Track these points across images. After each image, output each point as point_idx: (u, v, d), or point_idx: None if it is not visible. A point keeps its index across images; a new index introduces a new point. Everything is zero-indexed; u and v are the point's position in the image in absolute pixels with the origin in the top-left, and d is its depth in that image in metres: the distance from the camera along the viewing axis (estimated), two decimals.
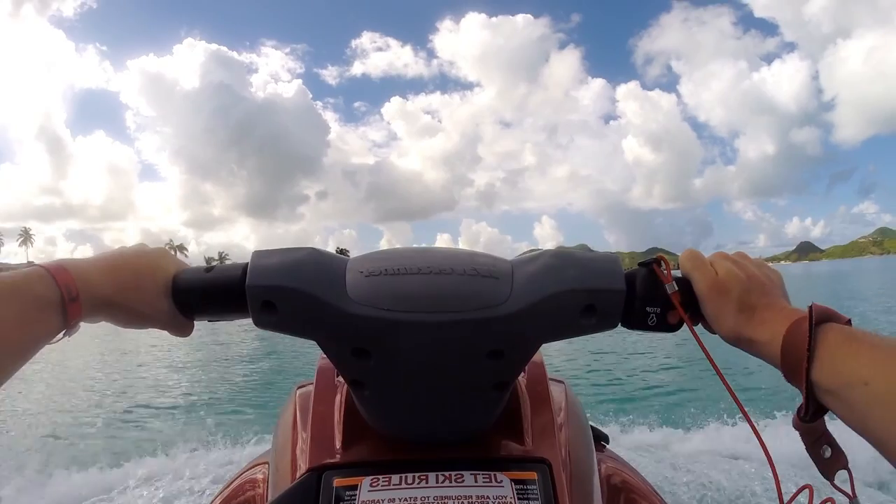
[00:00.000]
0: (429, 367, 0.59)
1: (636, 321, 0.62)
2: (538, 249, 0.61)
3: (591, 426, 0.92)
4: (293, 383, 0.98)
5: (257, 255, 0.60)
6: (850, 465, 0.55)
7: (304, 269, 0.57)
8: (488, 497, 0.62)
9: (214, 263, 0.65)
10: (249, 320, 0.60)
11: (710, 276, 0.61)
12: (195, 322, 0.69)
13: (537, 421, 0.74)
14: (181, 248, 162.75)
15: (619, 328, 0.62)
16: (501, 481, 0.64)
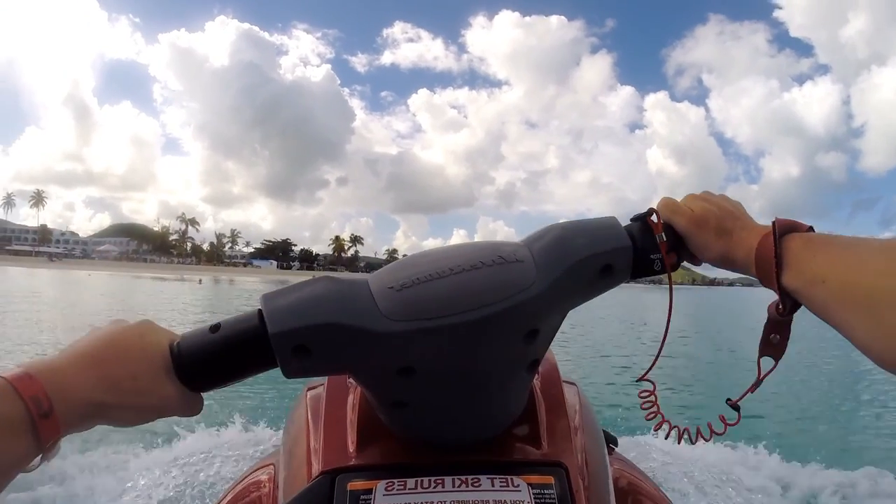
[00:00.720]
0: (472, 365, 0.59)
1: (643, 269, 0.65)
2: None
3: (602, 429, 0.90)
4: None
5: (269, 297, 0.55)
6: (773, 369, 0.64)
7: (330, 300, 0.53)
8: (505, 502, 0.61)
9: (219, 321, 0.56)
10: (271, 372, 0.56)
11: (688, 214, 0.68)
12: (204, 395, 0.59)
13: (552, 424, 0.73)
14: (193, 221, 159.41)
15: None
16: (518, 486, 0.63)
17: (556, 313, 0.61)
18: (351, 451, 0.68)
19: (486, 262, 0.56)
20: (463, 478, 0.63)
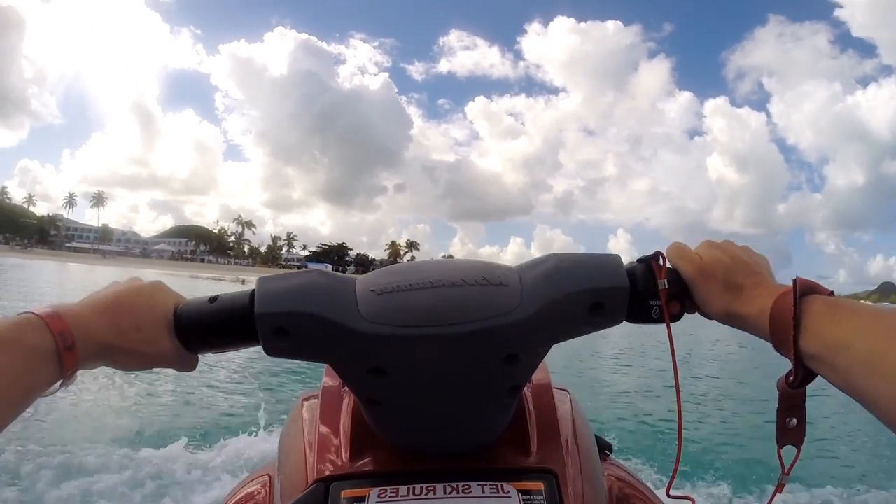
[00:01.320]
0: (446, 378, 0.60)
1: (640, 315, 0.63)
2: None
3: (595, 435, 0.89)
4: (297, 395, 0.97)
5: (263, 281, 0.59)
6: (801, 448, 0.59)
7: (314, 293, 0.56)
8: None
9: (218, 294, 0.63)
10: (258, 348, 0.59)
11: (696, 262, 0.64)
12: (199, 356, 0.66)
13: (543, 431, 0.73)
14: (249, 224, 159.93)
15: (624, 323, 0.64)
16: (508, 492, 0.64)
17: (538, 343, 0.60)
18: (345, 459, 0.69)
19: (468, 280, 0.56)
20: (454, 484, 0.64)
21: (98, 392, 6.48)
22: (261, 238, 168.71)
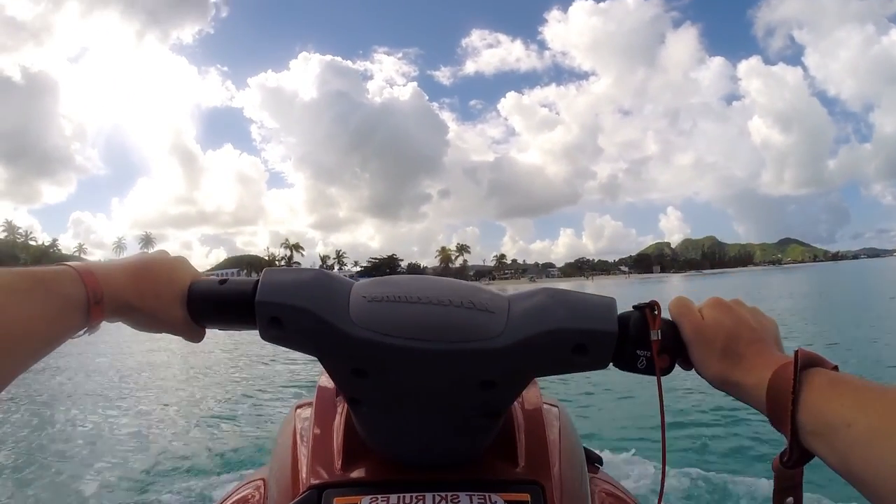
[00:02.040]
0: (422, 391, 0.61)
1: (627, 363, 0.61)
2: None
3: (585, 448, 0.90)
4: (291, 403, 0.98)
5: (268, 272, 0.62)
6: None
7: (311, 290, 0.58)
8: None
9: (228, 277, 0.67)
10: (257, 332, 0.62)
11: (696, 321, 0.60)
12: (206, 330, 0.70)
13: (531, 443, 0.74)
14: (297, 246, 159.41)
15: (612, 367, 0.63)
16: (496, 502, 0.65)
17: (516, 373, 0.60)
18: (337, 467, 0.71)
19: (454, 301, 0.57)
20: (443, 494, 0.65)
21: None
22: (311, 259, 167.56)
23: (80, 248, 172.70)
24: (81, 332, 0.59)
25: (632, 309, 0.62)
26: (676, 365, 0.63)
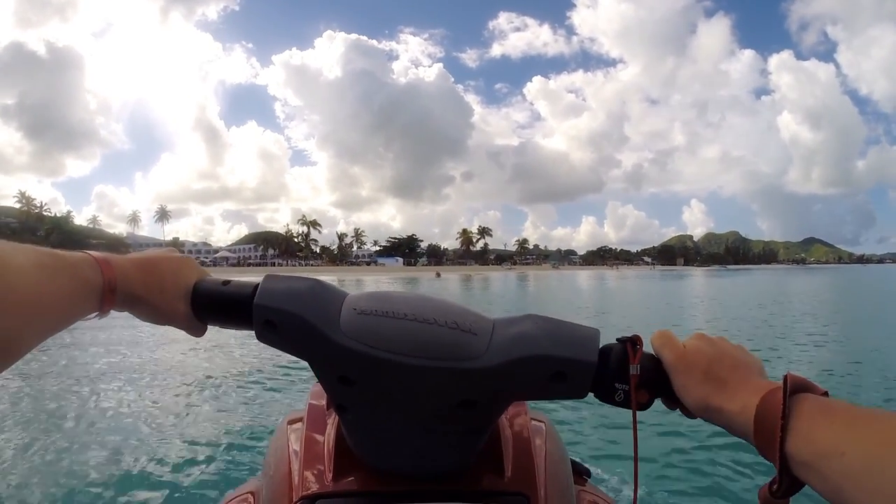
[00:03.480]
0: (405, 405, 0.63)
1: (604, 395, 0.61)
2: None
3: (573, 460, 0.91)
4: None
5: (268, 278, 0.64)
6: None
7: (305, 298, 0.61)
8: None
9: (232, 278, 0.70)
10: (253, 333, 0.65)
11: (678, 350, 0.59)
12: (208, 326, 0.72)
13: (517, 455, 0.75)
14: (314, 223, 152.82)
15: (591, 398, 0.62)
16: None
17: (496, 395, 0.61)
18: (328, 478, 0.72)
19: (440, 321, 0.59)
20: None
21: None
22: (330, 238, 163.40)
23: (94, 220, 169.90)
24: (93, 316, 0.62)
25: (615, 341, 0.62)
26: (658, 401, 0.62)
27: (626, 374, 0.59)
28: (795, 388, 0.48)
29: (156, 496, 4.03)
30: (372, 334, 0.59)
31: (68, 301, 0.57)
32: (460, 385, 0.59)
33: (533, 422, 0.84)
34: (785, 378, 0.49)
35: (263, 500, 0.80)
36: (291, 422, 0.89)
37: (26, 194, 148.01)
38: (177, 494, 4.07)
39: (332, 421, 0.79)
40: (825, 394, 0.49)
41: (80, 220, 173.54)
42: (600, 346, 0.60)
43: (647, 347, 0.61)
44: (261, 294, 0.62)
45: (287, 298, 0.61)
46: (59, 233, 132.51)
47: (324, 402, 0.84)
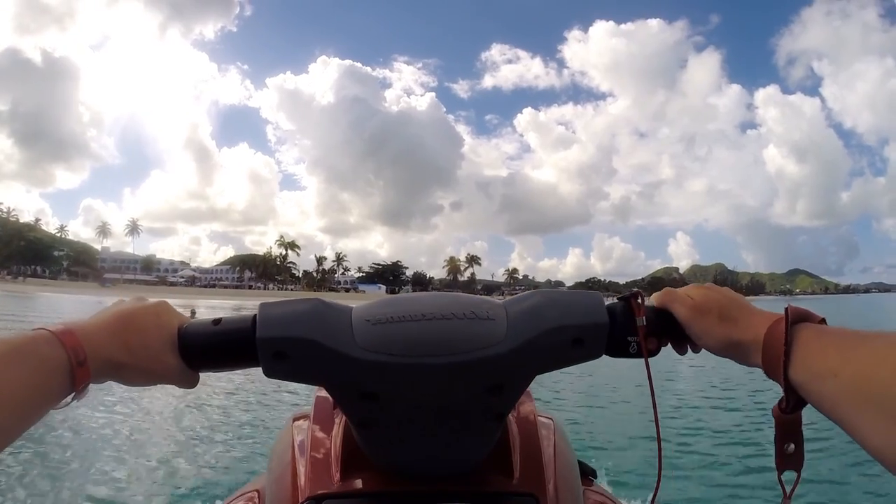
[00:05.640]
0: (434, 405, 0.61)
1: (619, 350, 0.64)
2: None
3: (579, 461, 0.90)
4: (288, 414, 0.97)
5: (265, 307, 0.60)
6: (801, 472, 0.57)
7: (313, 320, 0.57)
8: None
9: (222, 317, 0.63)
10: (255, 369, 0.61)
11: (689, 302, 0.64)
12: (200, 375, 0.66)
13: (526, 456, 0.74)
14: (292, 245, 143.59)
15: (604, 357, 0.64)
16: None
17: (521, 374, 0.61)
18: (335, 478, 0.69)
19: (458, 314, 0.57)
20: None
21: None
22: (309, 262, 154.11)
23: (62, 230, 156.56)
24: (69, 398, 0.53)
25: (616, 300, 0.65)
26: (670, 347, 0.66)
27: (635, 328, 0.63)
28: (796, 318, 0.53)
29: (161, 494, 4.02)
30: (393, 343, 0.56)
31: (29, 391, 0.48)
32: (488, 372, 0.58)
33: (541, 420, 0.82)
34: (786, 309, 0.54)
35: (268, 500, 0.77)
36: (297, 420, 0.86)
37: None
38: (181, 492, 4.06)
39: (339, 420, 0.77)
40: (822, 321, 0.55)
41: (69, 233, 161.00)
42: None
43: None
44: (263, 326, 0.57)
45: (293, 325, 0.56)
46: (21, 240, 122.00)
47: (331, 400, 0.81)
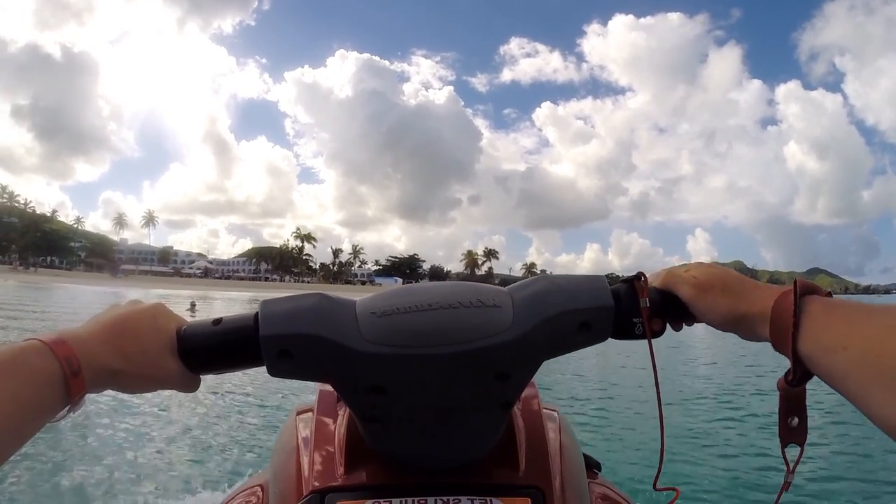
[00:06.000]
0: (442, 395, 0.60)
1: (624, 332, 0.64)
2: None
3: (584, 454, 0.89)
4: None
5: (266, 304, 0.58)
6: (805, 445, 0.57)
7: (317, 315, 0.56)
8: None
9: (221, 317, 0.61)
10: (258, 369, 0.59)
11: (690, 280, 0.64)
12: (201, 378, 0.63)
13: (531, 448, 0.73)
14: (309, 237, 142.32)
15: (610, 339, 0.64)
16: None
17: (529, 361, 0.60)
18: (339, 471, 0.69)
19: (464, 302, 0.56)
20: (445, 498, 0.64)
21: None
22: (326, 254, 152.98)
23: (78, 221, 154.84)
24: (64, 411, 0.51)
25: (620, 283, 0.65)
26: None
27: (639, 309, 0.63)
28: (804, 291, 0.52)
29: (163, 490, 3.92)
30: (400, 334, 0.55)
31: (21, 405, 0.46)
32: (496, 360, 0.57)
33: (546, 413, 0.82)
34: (795, 282, 0.53)
35: (271, 494, 0.77)
36: (300, 414, 0.85)
37: (7, 188, 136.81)
38: (184, 487, 3.99)
39: (342, 413, 0.76)
40: (828, 295, 0.54)
41: (87, 226, 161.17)
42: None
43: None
44: (266, 323, 0.56)
45: (297, 321, 0.55)
46: (37, 231, 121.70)
47: (334, 394, 0.80)
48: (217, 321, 0.60)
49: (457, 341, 0.55)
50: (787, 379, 0.54)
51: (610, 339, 0.63)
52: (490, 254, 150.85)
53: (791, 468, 0.56)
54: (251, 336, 0.57)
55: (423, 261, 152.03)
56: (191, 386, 0.61)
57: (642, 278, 0.64)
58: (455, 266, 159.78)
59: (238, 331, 0.59)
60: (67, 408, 0.50)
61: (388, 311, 0.56)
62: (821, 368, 0.50)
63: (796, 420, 0.55)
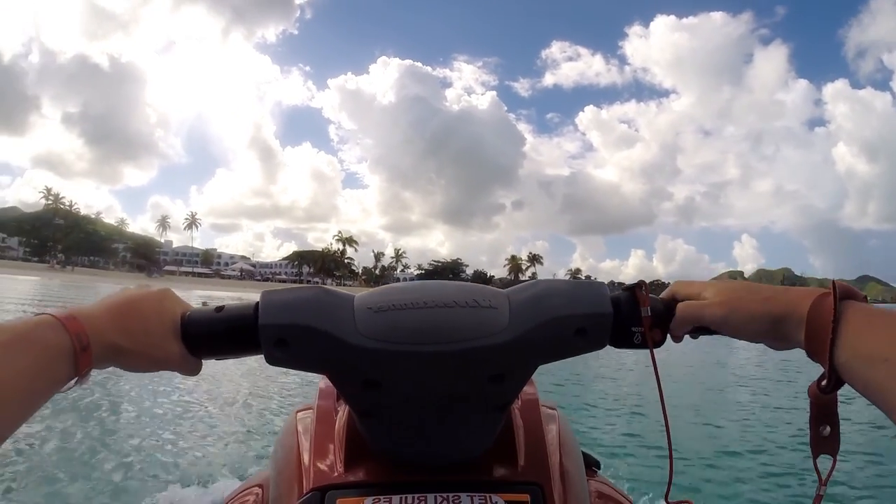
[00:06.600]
0: (436, 393, 0.60)
1: (623, 341, 0.62)
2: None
3: (583, 452, 0.87)
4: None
5: (267, 294, 0.59)
6: (837, 456, 0.53)
7: (315, 307, 0.56)
8: None
9: (224, 304, 0.62)
10: (256, 357, 0.60)
11: (716, 302, 0.59)
12: (203, 362, 0.64)
13: (530, 446, 0.73)
14: (350, 240, 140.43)
15: (608, 347, 0.63)
16: (496, 503, 0.64)
17: (523, 364, 0.60)
18: (340, 469, 0.69)
19: (459, 302, 0.56)
20: (444, 495, 0.64)
21: None
22: (367, 258, 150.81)
23: (122, 223, 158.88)
24: (71, 383, 0.52)
25: (621, 291, 0.63)
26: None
27: (639, 318, 0.61)
28: (843, 295, 0.49)
29: (162, 490, 3.81)
30: (394, 330, 0.55)
31: (33, 376, 0.48)
32: (490, 361, 0.57)
33: (545, 410, 0.82)
34: (833, 283, 0.50)
35: (272, 493, 0.77)
36: (301, 412, 0.86)
37: (52, 190, 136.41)
38: (184, 488, 3.86)
39: (342, 411, 0.76)
40: (864, 299, 0.50)
41: (135, 228, 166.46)
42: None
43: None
44: (265, 312, 0.57)
45: (295, 312, 0.56)
46: (81, 232, 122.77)
47: (334, 392, 0.80)
48: (220, 308, 0.61)
49: (450, 340, 0.54)
50: (819, 386, 0.51)
51: (609, 347, 0.61)
52: (534, 259, 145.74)
53: (824, 480, 0.53)
54: (251, 324, 0.57)
55: (467, 265, 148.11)
56: (192, 369, 0.62)
57: (643, 287, 0.62)
58: (499, 271, 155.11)
59: (238, 318, 0.59)
60: (75, 380, 0.52)
61: (385, 307, 0.56)
62: (858, 379, 0.47)
63: (828, 429, 0.52)
